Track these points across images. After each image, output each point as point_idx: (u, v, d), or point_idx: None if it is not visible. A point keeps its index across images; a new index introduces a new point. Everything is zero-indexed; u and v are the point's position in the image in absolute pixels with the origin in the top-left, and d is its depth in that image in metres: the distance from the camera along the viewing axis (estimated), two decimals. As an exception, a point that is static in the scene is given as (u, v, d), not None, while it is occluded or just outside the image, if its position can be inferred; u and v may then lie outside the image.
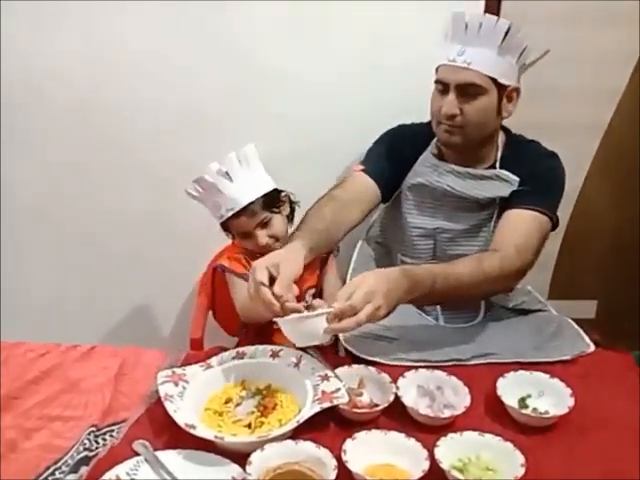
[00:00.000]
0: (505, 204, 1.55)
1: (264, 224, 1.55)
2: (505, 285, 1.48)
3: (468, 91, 1.48)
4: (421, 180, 1.61)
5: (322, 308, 1.23)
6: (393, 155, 1.67)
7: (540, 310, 1.59)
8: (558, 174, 1.58)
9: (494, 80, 1.48)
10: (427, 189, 1.61)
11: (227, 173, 1.51)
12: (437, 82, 1.54)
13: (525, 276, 1.49)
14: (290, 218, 1.65)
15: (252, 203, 1.53)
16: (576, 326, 1.49)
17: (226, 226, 1.60)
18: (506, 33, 1.46)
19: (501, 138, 1.63)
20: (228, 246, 1.74)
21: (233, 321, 1.72)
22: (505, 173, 1.56)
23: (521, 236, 1.47)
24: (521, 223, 1.50)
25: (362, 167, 1.65)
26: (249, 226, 1.55)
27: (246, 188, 1.53)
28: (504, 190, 1.55)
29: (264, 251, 1.52)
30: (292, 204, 1.66)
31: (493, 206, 1.58)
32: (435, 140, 1.64)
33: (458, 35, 1.49)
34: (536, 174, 1.54)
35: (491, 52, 1.47)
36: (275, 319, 1.25)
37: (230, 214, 1.53)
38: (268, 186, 1.56)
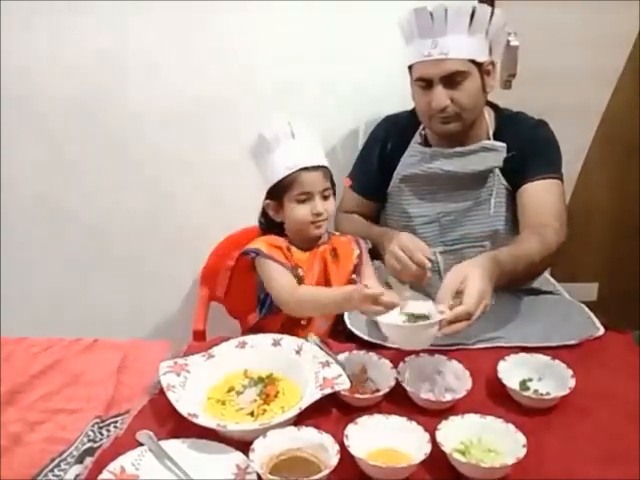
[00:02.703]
0: (517, 178, 1.57)
1: (325, 196, 1.51)
2: (557, 257, 1.52)
3: (454, 79, 1.50)
4: (413, 170, 1.63)
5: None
6: (377, 160, 1.71)
7: (552, 293, 1.60)
8: (555, 139, 1.62)
9: (472, 61, 1.50)
10: (420, 177, 1.62)
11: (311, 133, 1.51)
12: (418, 80, 1.54)
13: None
14: None
15: (326, 167, 1.51)
16: (587, 309, 1.49)
17: (284, 186, 1.48)
18: (472, 14, 1.48)
19: (489, 114, 1.65)
20: (247, 230, 1.75)
21: (245, 307, 1.73)
22: (490, 142, 1.59)
23: (556, 207, 1.53)
24: (549, 195, 1.54)
25: (350, 182, 1.74)
26: (317, 186, 1.48)
27: (321, 152, 1.52)
28: (496, 160, 1.58)
29: (305, 226, 1.50)
30: None
31: (491, 181, 1.59)
32: (420, 130, 1.66)
33: (425, 29, 1.49)
34: (537, 144, 1.58)
35: (462, 36, 1.48)
36: (382, 321, 1.23)
37: (307, 165, 1.46)
38: None
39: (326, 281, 1.54)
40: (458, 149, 1.59)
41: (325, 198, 1.50)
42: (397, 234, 1.51)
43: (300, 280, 1.50)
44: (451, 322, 1.18)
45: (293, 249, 1.53)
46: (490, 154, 1.58)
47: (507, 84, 2.03)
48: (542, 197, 1.54)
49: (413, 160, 1.64)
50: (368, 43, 1.88)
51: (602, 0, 2.01)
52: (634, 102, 2.19)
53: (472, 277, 1.21)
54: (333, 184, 1.55)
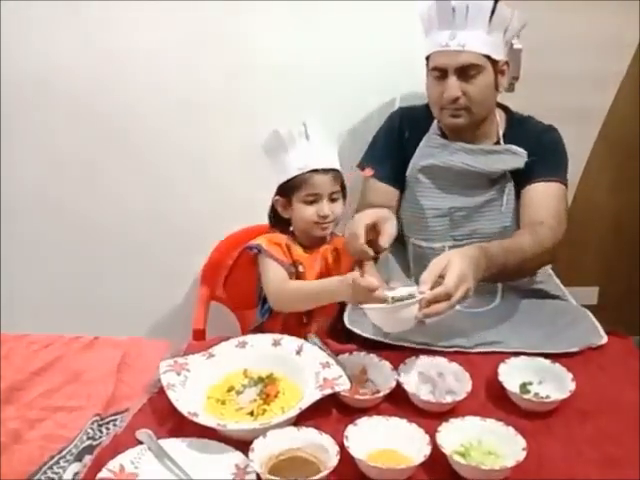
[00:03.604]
0: (521, 179, 1.59)
1: (333, 199, 1.53)
2: (553, 256, 1.56)
3: (468, 72, 1.52)
4: (433, 161, 1.63)
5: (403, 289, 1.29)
6: (396, 147, 1.70)
7: (559, 298, 1.59)
8: (563, 145, 1.64)
9: (488, 57, 1.53)
10: (439, 169, 1.62)
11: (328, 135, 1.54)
12: (434, 69, 1.56)
13: None
14: None
15: (337, 171, 1.52)
16: (592, 316, 1.48)
17: (294, 186, 1.51)
18: (492, 11, 1.49)
19: (500, 115, 1.67)
20: (248, 229, 1.77)
21: (245, 300, 1.73)
22: (514, 147, 1.60)
23: (555, 207, 1.55)
24: (550, 195, 1.57)
25: (371, 172, 1.66)
26: (326, 189, 1.50)
27: (335, 156, 1.54)
28: (517, 162, 1.59)
29: (311, 226, 1.53)
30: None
31: (503, 181, 1.61)
32: (436, 122, 1.66)
33: (446, 21, 1.51)
34: (544, 148, 1.60)
35: (481, 32, 1.50)
36: (364, 306, 1.27)
37: (318, 167, 1.49)
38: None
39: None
40: (482, 146, 1.62)
41: (333, 200, 1.52)
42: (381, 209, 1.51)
43: (300, 276, 1.52)
44: (431, 302, 1.21)
45: (294, 246, 1.54)
46: (512, 157, 1.60)
47: (510, 87, 2.03)
48: (541, 197, 1.57)
49: (432, 151, 1.64)
50: (374, 39, 1.88)
51: (605, 0, 2.01)
52: (636, 105, 2.19)
53: (455, 262, 1.24)
54: (343, 187, 1.56)
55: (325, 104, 1.91)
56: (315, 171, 1.49)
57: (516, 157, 1.59)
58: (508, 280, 1.55)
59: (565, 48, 2.06)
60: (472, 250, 1.31)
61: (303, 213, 1.52)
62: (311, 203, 1.51)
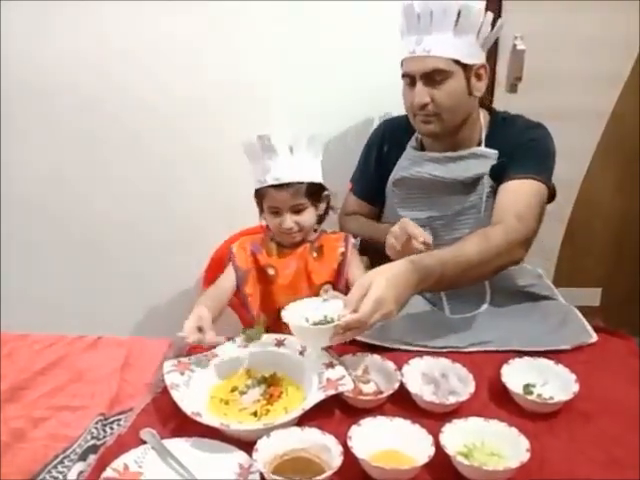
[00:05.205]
0: (498, 180, 1.55)
1: (297, 210, 1.52)
2: (514, 257, 1.45)
3: (434, 78, 1.50)
4: (403, 174, 1.63)
5: (336, 299, 1.28)
6: (375, 163, 1.73)
7: (549, 298, 1.58)
8: (545, 142, 1.57)
9: (457, 62, 1.49)
10: (411, 181, 1.62)
11: (291, 146, 1.50)
12: (404, 76, 1.55)
13: (531, 245, 1.48)
14: (322, 218, 1.62)
15: (300, 184, 1.51)
16: (580, 315, 1.48)
17: (261, 195, 1.55)
18: (459, 14, 1.46)
19: (484, 118, 1.64)
20: (249, 230, 1.78)
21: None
22: (482, 149, 1.58)
23: (520, 205, 1.46)
24: (518, 192, 1.49)
25: (350, 186, 1.78)
26: (285, 204, 1.50)
27: (300, 167, 1.51)
28: (484, 166, 1.56)
29: (280, 235, 1.55)
30: (329, 205, 1.62)
31: (481, 185, 1.58)
32: (417, 133, 1.66)
33: (412, 26, 1.50)
34: (523, 145, 1.54)
35: (447, 36, 1.47)
36: (286, 321, 1.26)
37: (274, 183, 1.49)
38: (317, 178, 1.54)
39: (308, 278, 1.56)
40: (448, 154, 1.59)
41: (298, 212, 1.52)
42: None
43: (271, 279, 1.55)
44: (345, 329, 1.18)
45: (263, 252, 1.57)
46: (480, 160, 1.57)
47: (513, 87, 2.04)
48: (509, 195, 1.50)
49: (406, 163, 1.65)
50: (370, 43, 1.89)
51: (609, 1, 2.01)
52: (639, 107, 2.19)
53: (376, 285, 1.18)
54: (318, 194, 1.55)
55: (328, 105, 1.93)
56: (274, 186, 1.49)
57: (484, 160, 1.56)
58: (460, 287, 1.46)
59: (568, 48, 2.06)
60: (399, 267, 1.24)
61: (269, 222, 1.57)
62: (275, 214, 1.53)
